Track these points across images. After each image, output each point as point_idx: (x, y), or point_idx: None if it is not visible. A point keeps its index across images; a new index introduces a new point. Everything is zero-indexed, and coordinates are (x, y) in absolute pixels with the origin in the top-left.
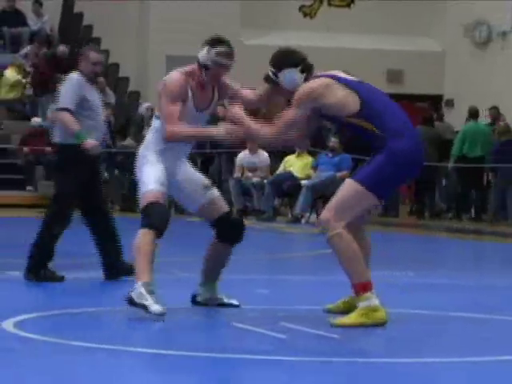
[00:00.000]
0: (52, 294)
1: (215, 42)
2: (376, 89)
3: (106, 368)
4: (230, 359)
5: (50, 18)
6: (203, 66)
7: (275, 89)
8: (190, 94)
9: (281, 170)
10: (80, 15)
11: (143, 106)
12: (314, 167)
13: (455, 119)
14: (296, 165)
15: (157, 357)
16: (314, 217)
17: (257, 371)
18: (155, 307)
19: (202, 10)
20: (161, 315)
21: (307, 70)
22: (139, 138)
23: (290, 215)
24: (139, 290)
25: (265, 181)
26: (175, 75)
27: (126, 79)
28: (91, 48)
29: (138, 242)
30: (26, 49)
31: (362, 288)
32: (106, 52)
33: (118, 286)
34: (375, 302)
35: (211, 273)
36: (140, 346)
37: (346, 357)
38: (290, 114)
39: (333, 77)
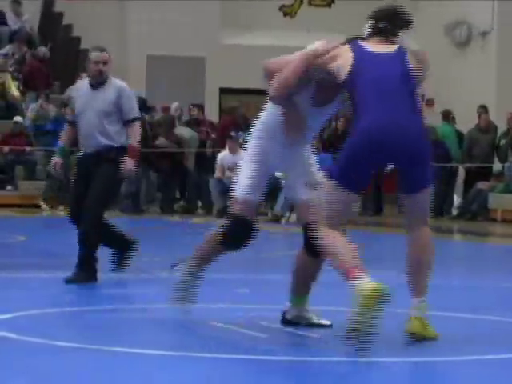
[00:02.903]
0: (34, 293)
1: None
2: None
3: (88, 368)
4: (210, 358)
5: (30, 18)
6: None
7: None
8: None
9: None
10: (60, 14)
11: (173, 107)
12: None
13: (435, 119)
14: None
15: (137, 356)
16: (294, 216)
17: (237, 370)
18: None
19: (182, 10)
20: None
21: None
22: (171, 137)
23: (269, 215)
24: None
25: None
26: None
27: None
28: (94, 48)
29: (209, 241)
30: (6, 48)
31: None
32: (86, 51)
33: (101, 285)
34: None
35: (298, 287)
36: (120, 346)
37: (327, 356)
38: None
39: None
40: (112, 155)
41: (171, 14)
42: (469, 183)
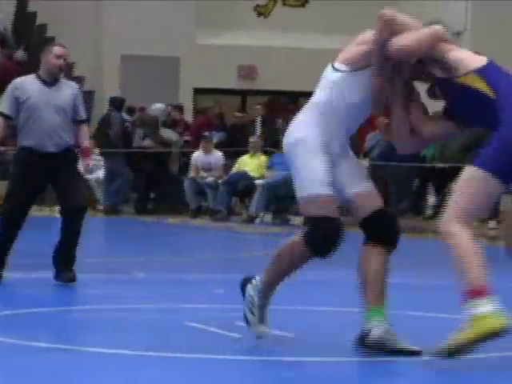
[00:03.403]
0: (5, 294)
1: None
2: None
3: (62, 368)
4: (185, 359)
5: (4, 18)
6: None
7: None
8: None
9: (235, 169)
10: (34, 14)
11: (157, 107)
12: (269, 167)
13: None
14: (250, 164)
15: (110, 357)
16: (268, 216)
17: (212, 371)
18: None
19: (157, 10)
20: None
21: None
22: (158, 139)
23: (244, 215)
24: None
25: (219, 180)
26: None
27: (81, 79)
28: (57, 43)
29: (292, 249)
30: None
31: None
32: None
33: (77, 286)
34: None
35: (374, 294)
36: (93, 346)
37: (302, 356)
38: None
39: None
40: (75, 154)
41: (145, 14)
42: (442, 184)
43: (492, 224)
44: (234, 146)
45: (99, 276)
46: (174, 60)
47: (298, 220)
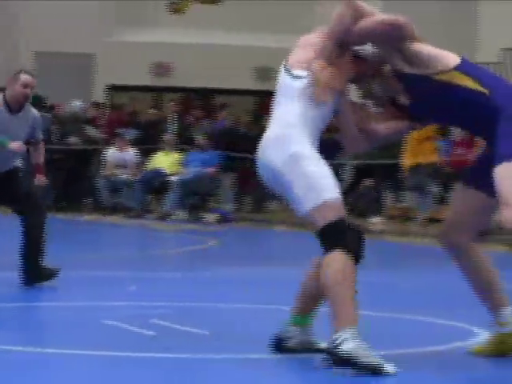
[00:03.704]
0: None
1: None
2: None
3: None
4: (102, 357)
5: None
6: None
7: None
8: None
9: (150, 167)
10: None
11: (76, 104)
12: (184, 164)
13: None
14: (165, 162)
15: (26, 355)
16: (183, 214)
17: (125, 368)
18: (388, 367)
19: (72, 7)
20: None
21: None
22: (83, 136)
23: (159, 212)
24: (352, 344)
25: (134, 178)
26: None
27: None
28: (25, 71)
29: (337, 267)
30: None
31: None
32: None
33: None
34: None
35: (303, 304)
36: (5, 345)
37: (214, 353)
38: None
39: None
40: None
41: (60, 10)
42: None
43: (375, 219)
44: (148, 144)
45: (13, 274)
46: (89, 57)
47: (212, 217)
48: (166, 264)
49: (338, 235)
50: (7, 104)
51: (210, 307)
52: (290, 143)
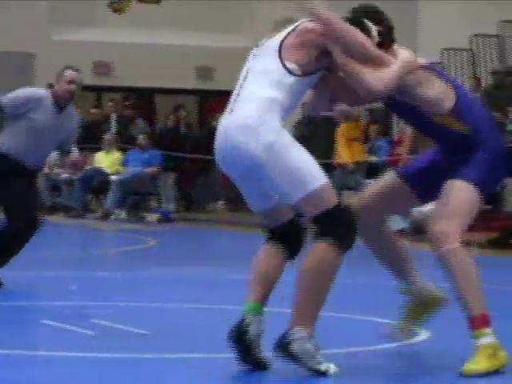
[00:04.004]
0: None
1: None
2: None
3: None
4: (38, 356)
5: None
6: None
7: None
8: None
9: (90, 166)
10: None
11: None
12: (124, 163)
13: None
14: (105, 161)
15: None
16: (124, 213)
17: (64, 368)
18: (332, 369)
19: (12, 5)
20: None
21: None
22: None
23: (99, 212)
24: (305, 345)
25: (74, 177)
26: None
27: None
28: (70, 67)
29: (318, 259)
30: None
31: (483, 321)
32: None
33: None
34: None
35: (258, 292)
36: None
37: (154, 353)
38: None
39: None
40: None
41: (0, 9)
42: None
43: None
44: (89, 143)
45: None
46: (29, 56)
47: (153, 217)
48: (106, 264)
49: (329, 226)
50: (55, 101)
51: (150, 307)
52: (265, 132)
